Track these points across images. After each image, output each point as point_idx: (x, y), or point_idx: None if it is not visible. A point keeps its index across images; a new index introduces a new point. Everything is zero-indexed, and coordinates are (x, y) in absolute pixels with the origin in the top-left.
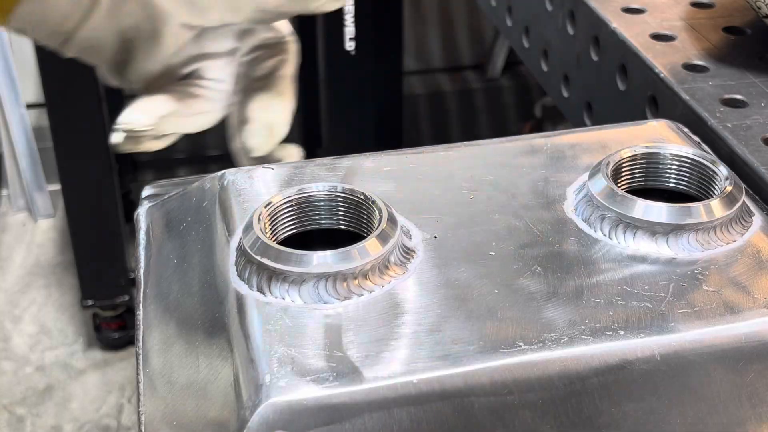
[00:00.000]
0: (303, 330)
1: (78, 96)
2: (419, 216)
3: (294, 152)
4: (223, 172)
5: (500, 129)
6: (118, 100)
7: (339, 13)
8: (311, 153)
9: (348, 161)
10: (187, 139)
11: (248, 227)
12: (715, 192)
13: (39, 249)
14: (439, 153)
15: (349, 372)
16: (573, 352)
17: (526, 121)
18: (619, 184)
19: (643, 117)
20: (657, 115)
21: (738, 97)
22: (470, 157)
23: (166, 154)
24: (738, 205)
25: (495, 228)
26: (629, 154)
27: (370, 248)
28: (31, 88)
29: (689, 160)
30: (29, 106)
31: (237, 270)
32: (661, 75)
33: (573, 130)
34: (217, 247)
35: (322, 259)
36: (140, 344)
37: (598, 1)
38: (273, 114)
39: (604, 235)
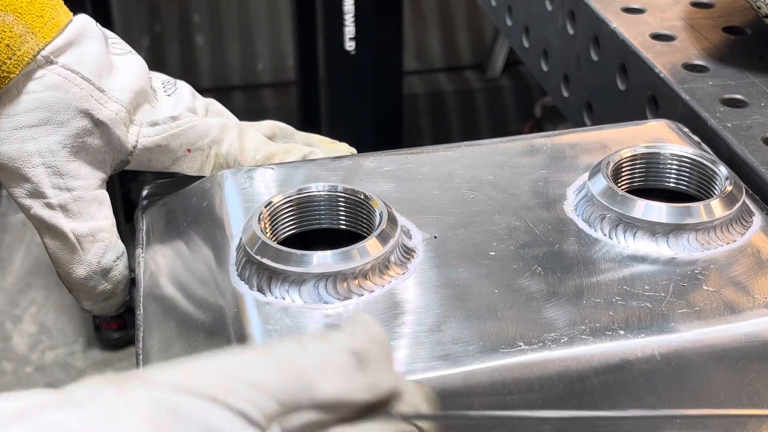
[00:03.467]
0: (303, 330)
1: None
2: (419, 216)
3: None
4: (223, 172)
5: (500, 129)
6: None
7: (339, 13)
8: None
9: (348, 161)
10: None
11: (248, 227)
12: (715, 192)
13: (39, 249)
14: (439, 153)
15: None
16: (573, 352)
17: (526, 121)
18: (619, 184)
19: (643, 117)
20: (657, 115)
21: (738, 96)
22: (470, 157)
23: None
24: (738, 204)
25: (495, 228)
26: (629, 154)
27: (370, 248)
28: None
29: (689, 160)
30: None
31: (237, 270)
32: (661, 75)
33: (573, 130)
34: (217, 247)
35: (322, 259)
36: (140, 344)
37: (598, 0)
38: None
39: (605, 234)
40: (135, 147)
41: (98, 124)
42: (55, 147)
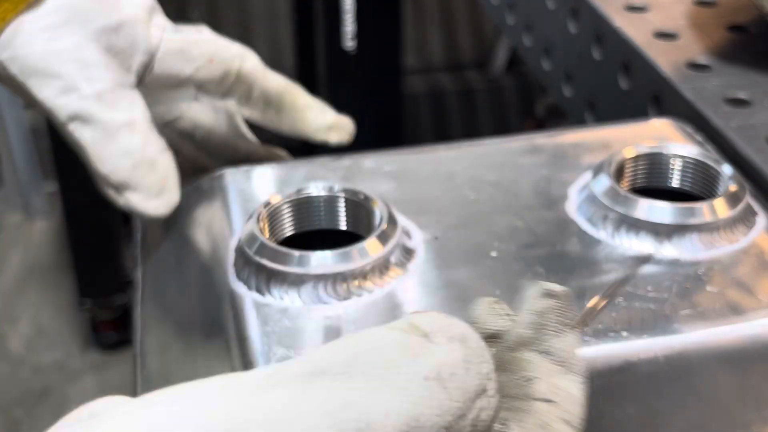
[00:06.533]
0: (302, 331)
1: None
2: (420, 216)
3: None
4: (222, 171)
5: (502, 128)
6: None
7: (339, 13)
8: (311, 152)
9: (348, 161)
10: None
11: (247, 227)
12: (719, 191)
13: (36, 250)
14: (440, 153)
15: None
16: None
17: (528, 120)
18: (621, 184)
19: (645, 116)
20: (660, 114)
21: (742, 96)
22: (471, 156)
23: None
24: (742, 204)
25: (496, 228)
26: (632, 154)
27: (370, 249)
28: None
29: (692, 160)
30: (27, 106)
31: (236, 270)
32: (664, 74)
33: (575, 129)
34: (216, 248)
35: (321, 260)
36: (138, 346)
37: None
38: None
39: (607, 235)
40: (157, 49)
41: (120, 24)
42: (82, 42)
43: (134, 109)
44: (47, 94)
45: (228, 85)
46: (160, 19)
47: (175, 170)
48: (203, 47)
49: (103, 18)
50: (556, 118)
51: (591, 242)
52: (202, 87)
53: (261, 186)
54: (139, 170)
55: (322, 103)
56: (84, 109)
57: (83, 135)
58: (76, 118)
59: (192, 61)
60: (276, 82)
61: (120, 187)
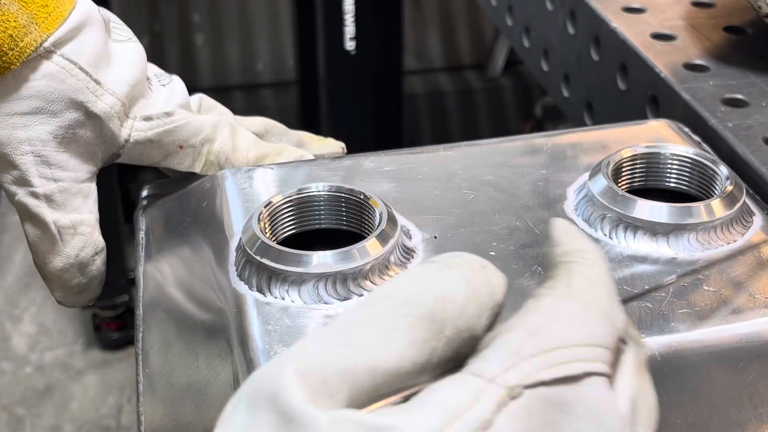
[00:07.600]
0: (303, 330)
1: None
2: (419, 216)
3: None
4: (222, 171)
5: (500, 129)
6: None
7: (339, 13)
8: None
9: (348, 161)
10: None
11: (248, 227)
12: (716, 192)
13: None
14: (439, 153)
15: None
16: None
17: (527, 120)
18: (619, 184)
19: (643, 117)
20: (657, 114)
21: (739, 96)
22: (470, 156)
23: None
24: (738, 204)
25: (495, 228)
26: (630, 154)
27: (370, 248)
28: None
29: (690, 160)
30: None
31: (237, 270)
32: (662, 75)
33: (573, 129)
34: (217, 248)
35: (322, 259)
36: (140, 344)
37: (598, 0)
38: None
39: (605, 234)
40: (127, 141)
41: (91, 117)
42: (45, 136)
43: (83, 208)
44: (3, 178)
45: (200, 166)
46: (139, 105)
47: (103, 271)
48: (174, 135)
49: (74, 112)
50: (555, 118)
51: None
52: (171, 167)
53: (262, 186)
54: (68, 272)
55: (300, 135)
56: (32, 206)
57: (26, 228)
58: (24, 210)
59: (162, 148)
60: (242, 156)
61: (46, 280)
